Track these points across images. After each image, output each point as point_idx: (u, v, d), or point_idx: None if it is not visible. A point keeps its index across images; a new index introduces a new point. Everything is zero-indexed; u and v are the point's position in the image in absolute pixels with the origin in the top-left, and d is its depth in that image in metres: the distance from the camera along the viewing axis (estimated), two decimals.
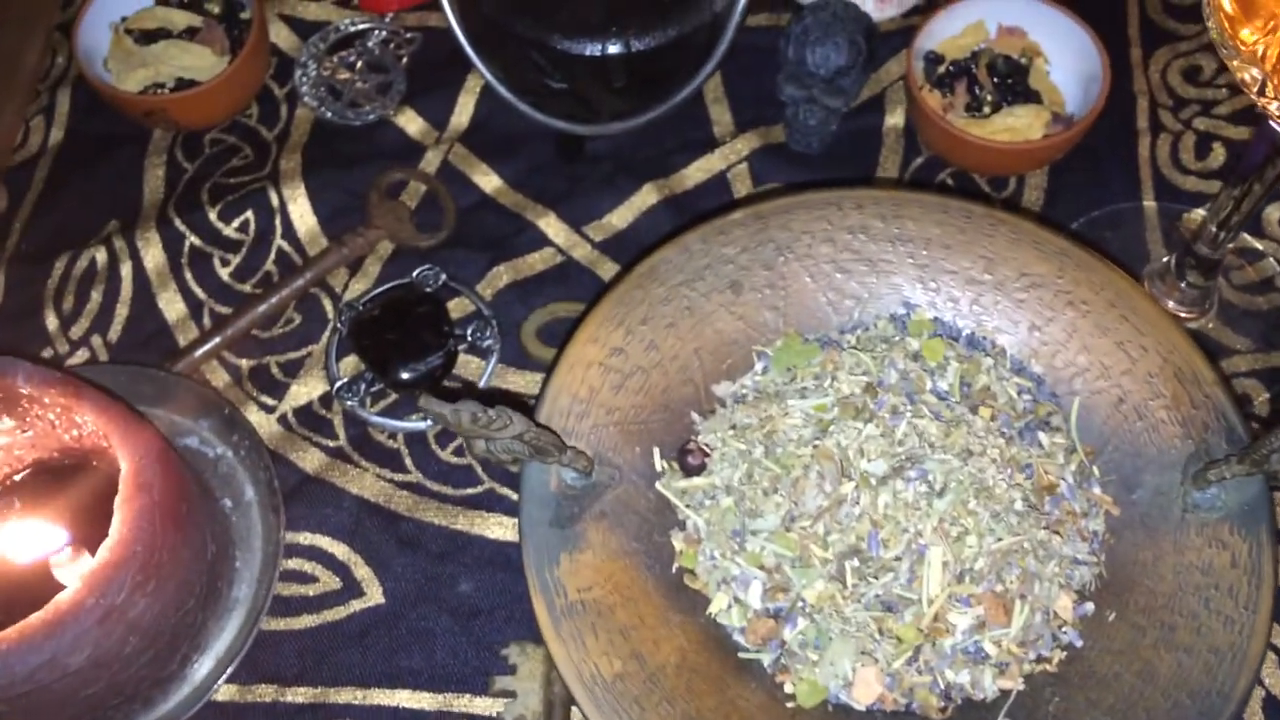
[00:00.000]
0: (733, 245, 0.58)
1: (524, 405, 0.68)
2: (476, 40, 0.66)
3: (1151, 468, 0.53)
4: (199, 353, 0.69)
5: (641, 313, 0.56)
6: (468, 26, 0.66)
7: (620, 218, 0.74)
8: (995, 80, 0.73)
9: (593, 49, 0.63)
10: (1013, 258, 0.57)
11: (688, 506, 0.54)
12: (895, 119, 0.77)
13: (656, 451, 0.56)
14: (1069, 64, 0.73)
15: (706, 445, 0.55)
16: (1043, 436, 0.54)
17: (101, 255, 0.73)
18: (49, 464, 0.60)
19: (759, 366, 0.58)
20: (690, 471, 0.55)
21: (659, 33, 0.63)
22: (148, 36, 0.76)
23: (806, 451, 0.52)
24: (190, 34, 0.75)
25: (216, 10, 0.77)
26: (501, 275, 0.72)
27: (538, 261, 0.73)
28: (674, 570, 0.53)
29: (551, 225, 0.74)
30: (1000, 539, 0.49)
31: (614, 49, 0.62)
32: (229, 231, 0.73)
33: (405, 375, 0.67)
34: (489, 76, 0.67)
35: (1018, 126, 0.70)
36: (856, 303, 0.59)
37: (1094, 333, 0.56)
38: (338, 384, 0.68)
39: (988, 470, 0.50)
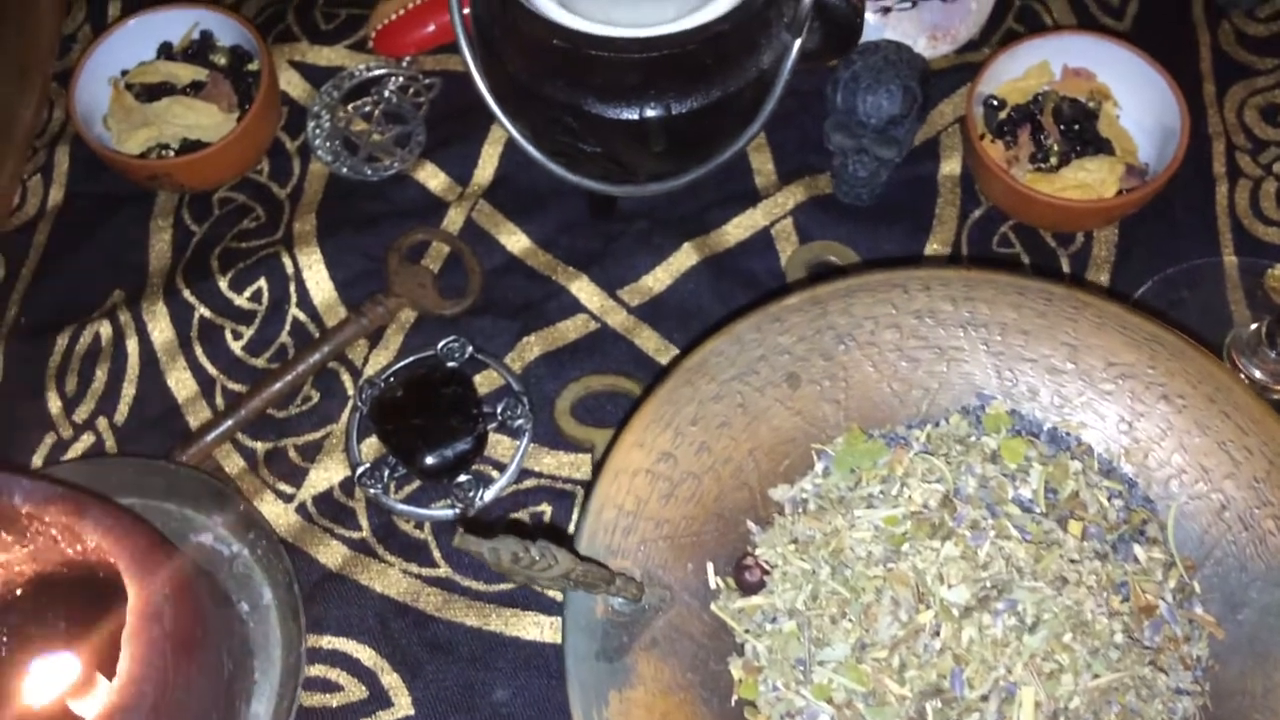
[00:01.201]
0: (789, 334, 0.53)
1: (560, 492, 0.63)
2: (503, 98, 0.61)
3: (1259, 584, 0.48)
4: (211, 437, 0.64)
5: (691, 412, 0.52)
6: (493, 84, 0.61)
7: (657, 280, 0.69)
8: (1062, 127, 0.67)
9: (629, 114, 0.57)
10: (1098, 345, 0.52)
11: (746, 631, 0.49)
12: (951, 166, 0.71)
13: (710, 567, 0.51)
14: (1141, 108, 0.67)
15: (766, 561, 0.50)
16: (1138, 550, 0.49)
17: (106, 330, 0.68)
18: (53, 578, 0.56)
19: (820, 467, 0.53)
20: (748, 590, 0.50)
21: (701, 95, 0.57)
22: (150, 92, 0.71)
23: (878, 573, 0.47)
24: (195, 89, 0.71)
25: (222, 62, 0.72)
26: (532, 346, 0.67)
27: (570, 329, 0.68)
28: (733, 702, 0.49)
29: (584, 289, 0.69)
30: (1098, 675, 0.45)
31: (652, 113, 0.57)
32: (241, 301, 0.69)
33: (432, 462, 0.62)
34: (517, 136, 0.62)
35: (1089, 182, 0.64)
36: (925, 394, 0.54)
37: (1192, 430, 0.50)
38: (359, 470, 0.63)
39: (1085, 602, 0.45)
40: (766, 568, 0.50)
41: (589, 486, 0.61)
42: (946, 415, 0.54)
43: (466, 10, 0.63)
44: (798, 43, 0.57)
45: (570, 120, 0.59)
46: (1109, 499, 0.50)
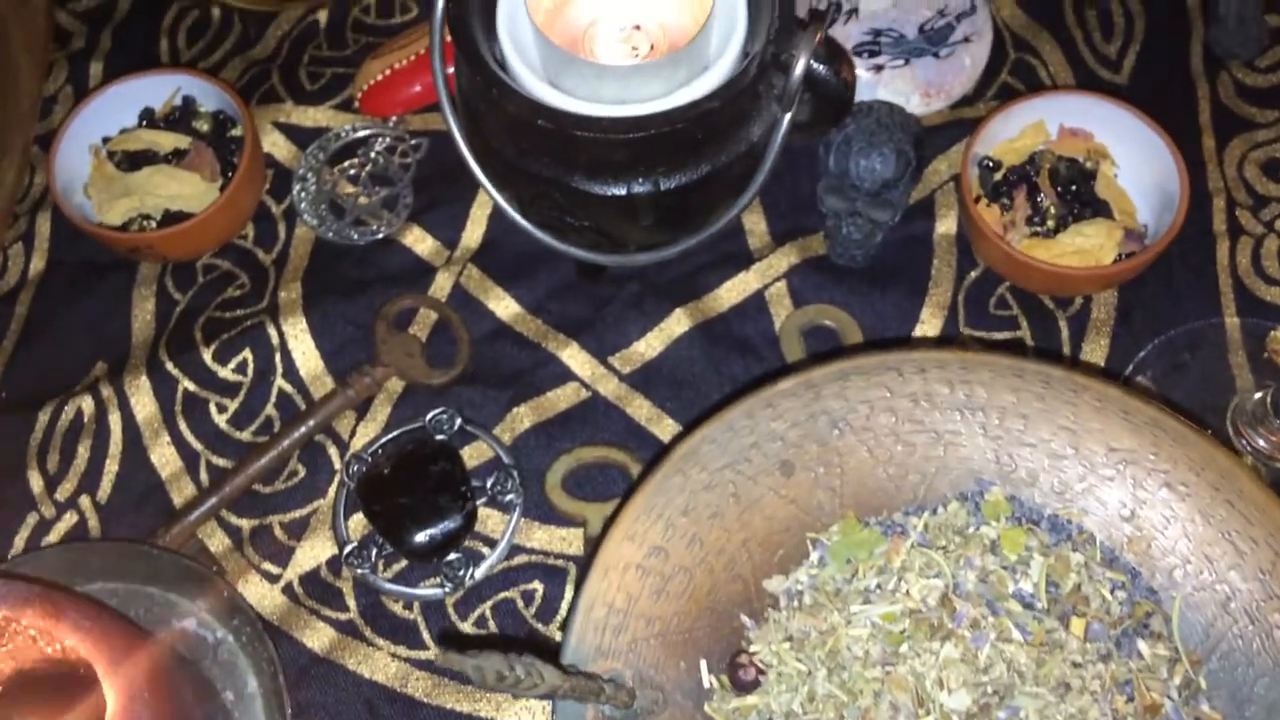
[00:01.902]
0: (782, 419, 0.52)
1: (552, 569, 0.62)
2: (488, 165, 0.60)
3: (1265, 680, 0.47)
4: (195, 515, 0.63)
5: (682, 503, 0.50)
6: (478, 152, 0.60)
7: (649, 346, 0.68)
8: (1059, 189, 0.66)
9: (616, 190, 0.56)
10: (1098, 429, 0.51)
11: None
12: (947, 225, 0.70)
13: (704, 665, 0.49)
14: (1140, 168, 0.66)
15: (760, 660, 0.49)
16: (1143, 645, 0.47)
17: (88, 405, 0.67)
18: (31, 675, 0.54)
19: (815, 557, 0.52)
20: (743, 688, 0.49)
21: (690, 170, 0.56)
22: (132, 160, 0.70)
23: (876, 675, 0.46)
24: (177, 157, 0.69)
25: (205, 128, 0.71)
26: (522, 417, 0.66)
27: (560, 399, 0.67)
28: None
29: (574, 356, 0.68)
30: None
31: (640, 189, 0.56)
32: (225, 373, 0.68)
33: (420, 543, 0.61)
34: (504, 204, 0.61)
35: (1087, 247, 0.63)
36: (922, 478, 0.53)
37: (1195, 519, 0.49)
38: (347, 549, 0.62)
39: (1089, 710, 0.44)
40: (761, 666, 0.49)
41: (579, 582, 0.60)
42: (944, 501, 0.52)
43: (452, 69, 0.62)
44: (788, 116, 0.56)
45: (556, 195, 0.58)
46: (1112, 591, 0.49)
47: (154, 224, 0.68)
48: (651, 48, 0.60)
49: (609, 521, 0.50)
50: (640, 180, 0.56)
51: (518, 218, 0.61)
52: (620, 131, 0.53)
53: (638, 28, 0.60)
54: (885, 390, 0.52)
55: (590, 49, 0.60)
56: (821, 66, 0.55)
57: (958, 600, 0.47)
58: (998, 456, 0.52)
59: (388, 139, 0.75)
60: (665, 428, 0.66)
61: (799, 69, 0.54)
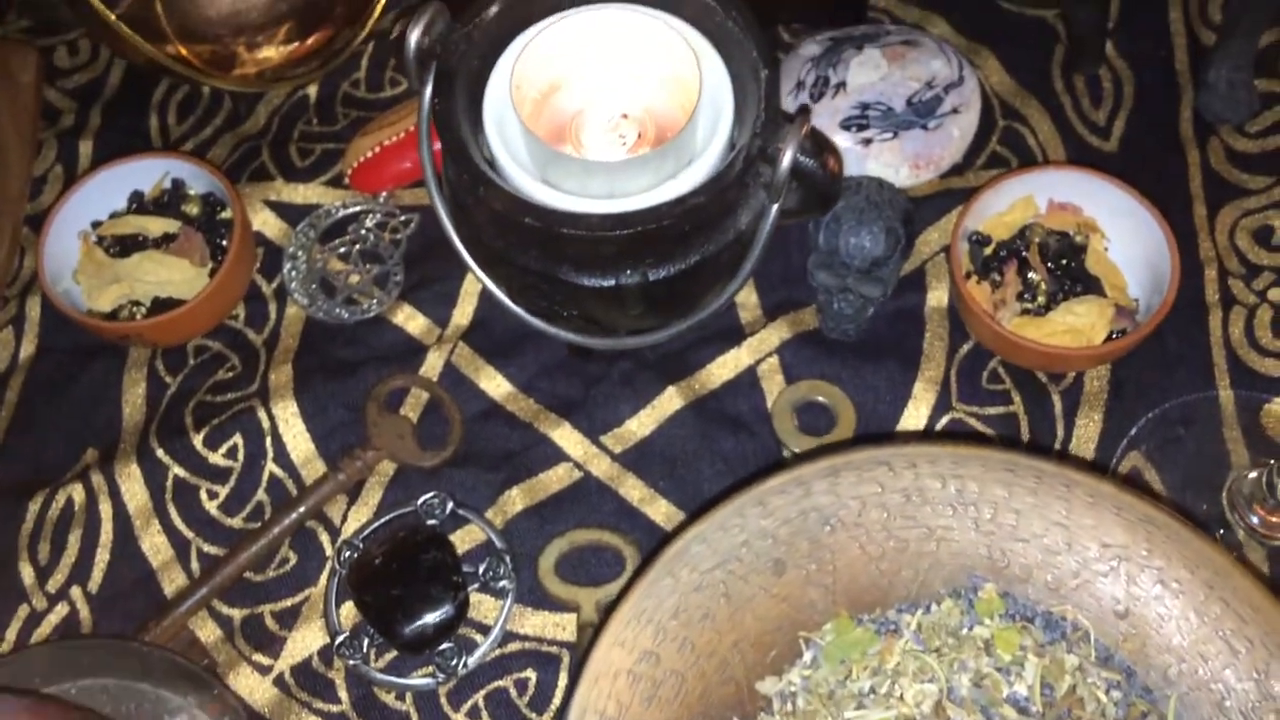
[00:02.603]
0: (772, 517, 0.52)
1: (546, 656, 0.61)
2: (478, 255, 0.60)
3: None
4: (186, 606, 0.63)
5: (672, 605, 0.50)
6: (467, 238, 0.60)
7: (641, 424, 0.68)
8: (1049, 265, 0.66)
9: (605, 282, 0.56)
10: (1091, 525, 0.50)
11: None
12: (938, 296, 0.70)
13: None
14: (1130, 242, 0.66)
15: None
16: None
17: (79, 494, 0.67)
18: None
19: (808, 657, 0.51)
20: None
21: (679, 261, 0.56)
22: (121, 244, 0.70)
23: None
24: (167, 241, 0.69)
25: (195, 211, 0.71)
26: (514, 500, 0.66)
27: (553, 480, 0.66)
28: None
29: (566, 437, 0.67)
30: None
31: (629, 281, 0.56)
32: (216, 459, 0.67)
33: (411, 635, 0.60)
34: (494, 289, 0.61)
35: (1079, 326, 0.63)
36: (915, 574, 0.52)
37: (1190, 617, 0.49)
38: (339, 639, 0.62)
39: None
40: None
41: (572, 674, 0.60)
42: (938, 598, 0.52)
43: (439, 147, 0.62)
44: (775, 206, 0.56)
45: (544, 285, 0.58)
46: (1107, 691, 0.49)
47: (144, 310, 0.68)
48: (639, 136, 0.59)
49: (598, 628, 0.50)
50: (628, 272, 0.56)
51: (507, 302, 0.61)
52: (607, 229, 0.53)
53: (625, 116, 0.60)
54: (876, 486, 0.52)
55: (577, 138, 0.60)
56: (808, 159, 0.55)
57: (952, 707, 0.47)
58: (990, 552, 0.52)
59: (378, 215, 0.75)
60: (658, 509, 0.65)
61: (785, 162, 0.54)
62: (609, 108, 0.60)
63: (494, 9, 0.58)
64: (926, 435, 0.64)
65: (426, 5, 0.58)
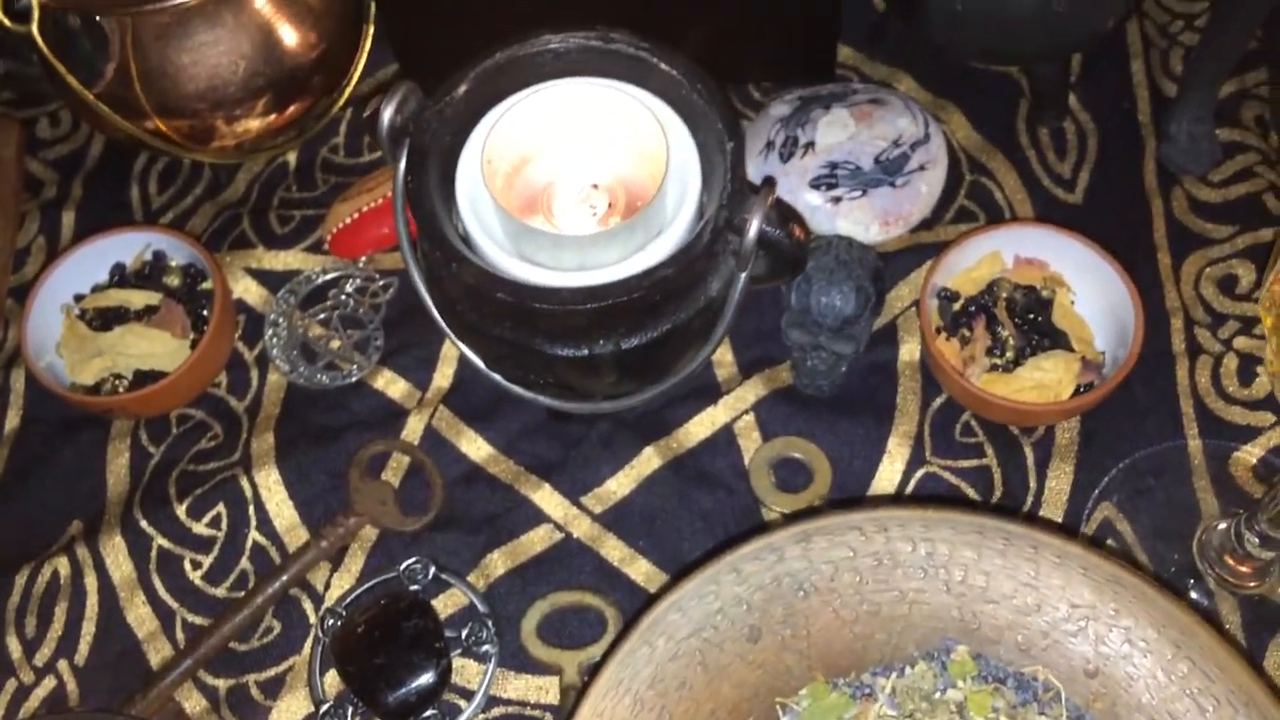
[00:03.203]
0: (746, 584, 0.52)
1: (529, 719, 0.62)
2: (454, 324, 0.61)
3: None
4: (171, 678, 0.63)
5: (649, 675, 0.51)
6: (443, 307, 0.61)
7: (620, 485, 0.69)
8: (1016, 320, 0.67)
9: (578, 352, 0.57)
10: (1059, 585, 0.51)
11: None
12: (910, 350, 0.71)
13: None
14: (1095, 296, 0.67)
15: None
16: None
17: (64, 567, 0.67)
18: None
19: None
20: None
21: (650, 329, 0.57)
22: (104, 317, 0.70)
23: None
24: (149, 313, 0.70)
25: (176, 283, 0.72)
26: (496, 563, 0.66)
27: (535, 542, 0.67)
28: None
29: (547, 498, 0.68)
30: None
31: (602, 350, 0.57)
32: (199, 529, 0.68)
33: (395, 703, 0.61)
34: (472, 356, 0.62)
35: (1046, 381, 0.64)
36: (888, 637, 0.53)
37: (1158, 675, 0.50)
38: (323, 708, 0.62)
39: None
40: None
41: None
42: (911, 660, 0.53)
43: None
44: (744, 275, 0.57)
45: (519, 355, 0.59)
46: None
47: (126, 383, 0.69)
48: (610, 205, 0.61)
49: (580, 693, 0.50)
50: (602, 342, 0.57)
51: (485, 369, 0.62)
52: (579, 303, 0.54)
53: (595, 186, 0.61)
54: (848, 550, 0.53)
55: (549, 208, 0.61)
56: (773, 229, 0.56)
57: None
58: (962, 614, 0.53)
59: (358, 280, 0.76)
60: (638, 568, 0.66)
61: (752, 232, 0.55)
62: (579, 179, 0.61)
63: (463, 88, 0.59)
64: (897, 498, 0.65)
65: (399, 84, 0.59)
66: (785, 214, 0.57)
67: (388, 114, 0.58)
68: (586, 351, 0.58)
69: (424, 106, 0.59)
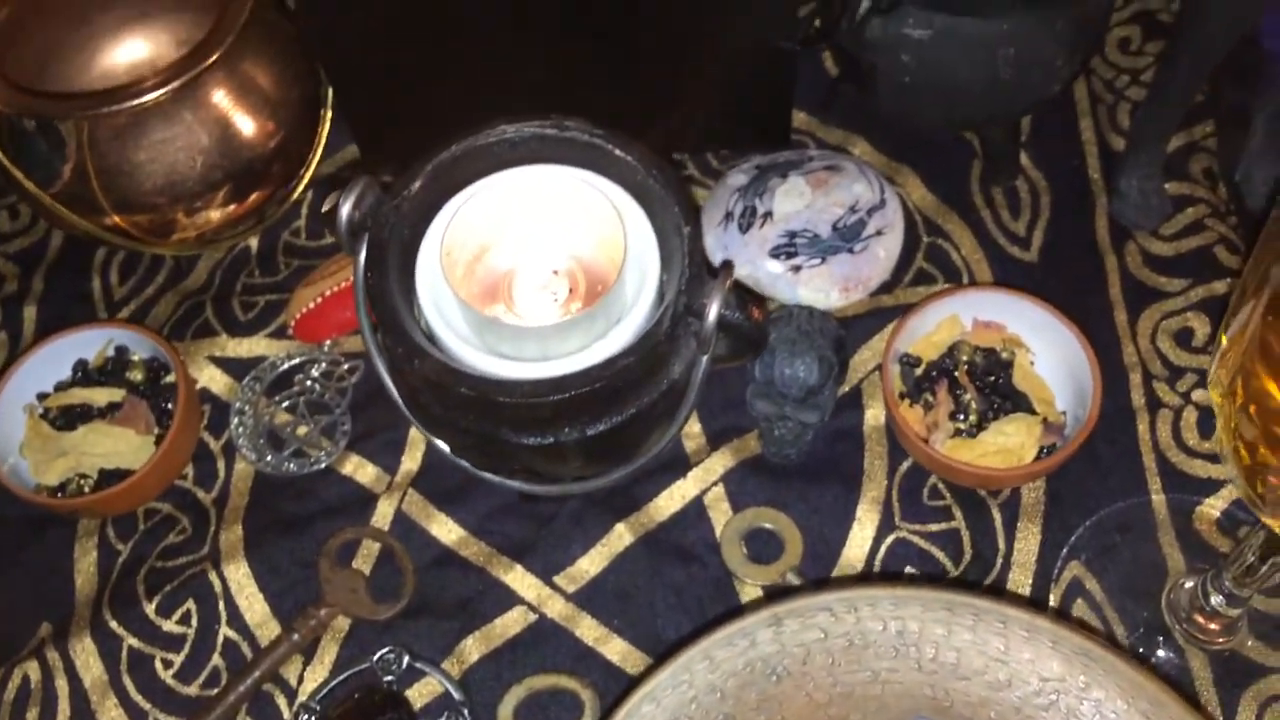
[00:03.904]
0: (718, 671, 0.52)
1: None
2: (420, 414, 0.61)
3: None
4: None
5: None
6: (407, 396, 0.61)
7: (593, 562, 0.69)
8: (977, 384, 0.68)
9: (544, 440, 0.57)
10: (1029, 659, 0.52)
11: None
12: (875, 415, 0.71)
13: None
14: (1054, 357, 0.68)
15: None
16: None
17: (35, 671, 0.66)
18: None
19: None
20: None
21: (615, 415, 0.57)
22: (67, 415, 0.70)
23: None
24: (112, 410, 0.70)
25: (139, 377, 0.71)
26: (470, 649, 0.66)
27: (509, 624, 0.67)
28: None
29: (519, 579, 0.68)
30: None
31: (567, 438, 0.57)
32: (170, 626, 0.67)
33: None
34: (441, 445, 0.62)
35: (1009, 446, 0.65)
36: (863, 718, 0.53)
37: None
38: None
39: None
40: None
41: None
42: None
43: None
44: (706, 357, 0.58)
45: (486, 445, 0.59)
46: None
47: (92, 482, 0.69)
48: (570, 291, 0.61)
49: None
50: (567, 430, 0.57)
51: (453, 455, 0.62)
52: (543, 395, 0.54)
53: (555, 272, 0.61)
54: (820, 632, 0.53)
55: (510, 295, 0.61)
56: (733, 312, 0.56)
57: None
58: (934, 692, 0.53)
59: (323, 364, 0.76)
60: (614, 648, 0.66)
61: (711, 317, 0.55)
62: (539, 265, 0.62)
63: (419, 181, 0.59)
64: (866, 576, 0.66)
65: (357, 179, 0.59)
66: (744, 296, 0.58)
67: (345, 209, 0.58)
68: (552, 439, 0.58)
69: (382, 201, 0.59)
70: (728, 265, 0.57)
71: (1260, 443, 0.45)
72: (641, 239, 0.59)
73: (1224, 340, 0.46)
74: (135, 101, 0.63)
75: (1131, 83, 0.83)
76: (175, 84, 0.64)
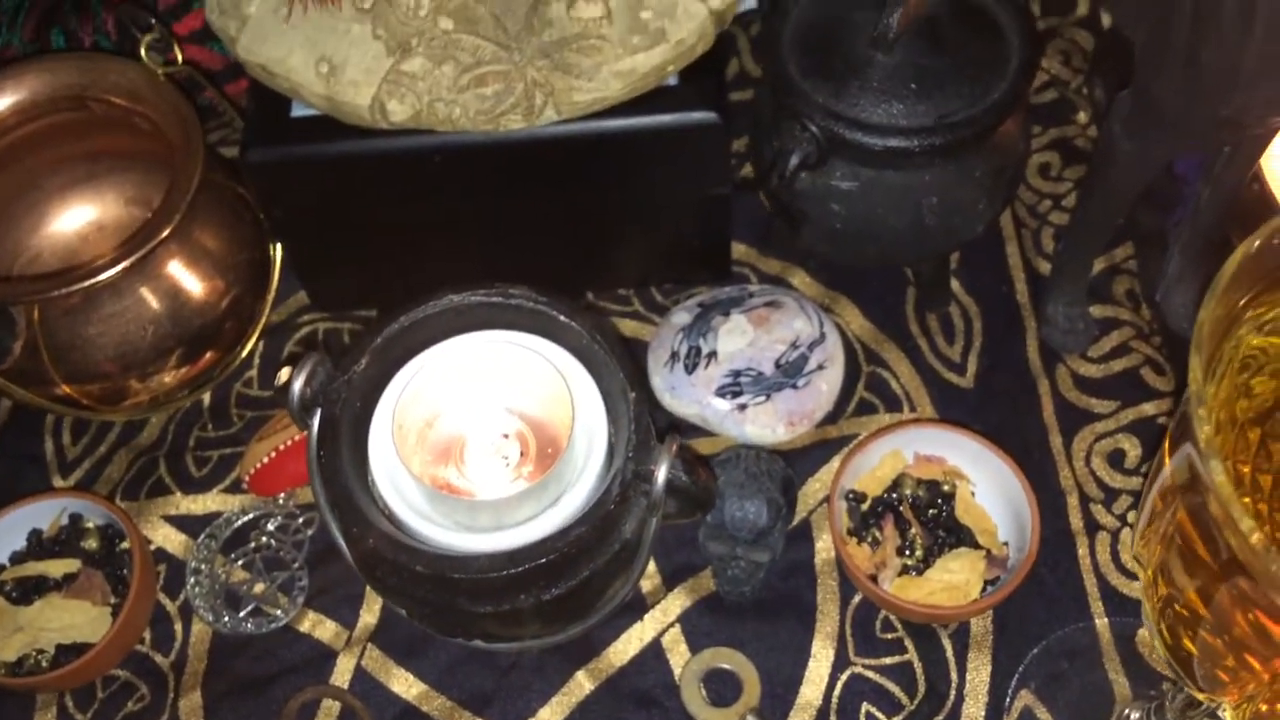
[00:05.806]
0: None
1: None
2: (378, 583, 0.62)
3: None
4: None
5: None
6: (362, 561, 0.62)
7: (554, 712, 0.69)
8: (921, 518, 0.70)
9: (500, 607, 0.58)
10: None
11: None
12: (826, 545, 0.73)
13: None
14: (992, 487, 0.70)
15: None
16: None
17: None
18: None
19: None
20: None
21: (569, 579, 0.58)
22: (23, 588, 0.70)
23: None
24: (69, 580, 0.70)
25: (94, 545, 0.71)
26: None
27: None
28: None
29: None
30: None
31: (523, 604, 0.58)
32: None
33: None
34: (400, 610, 0.63)
35: (955, 582, 0.67)
36: None
37: None
38: None
39: None
40: None
41: None
42: None
43: None
44: (655, 518, 0.59)
45: (443, 613, 0.60)
46: None
47: (49, 657, 0.68)
48: (521, 454, 0.62)
49: None
50: (522, 597, 0.58)
51: (410, 619, 0.63)
52: (497, 569, 0.55)
53: (505, 436, 0.63)
54: None
55: (461, 459, 0.62)
56: (680, 475, 0.58)
57: None
58: None
59: (279, 518, 0.76)
60: None
61: (660, 481, 0.57)
62: (490, 430, 0.63)
63: (367, 357, 0.61)
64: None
65: (308, 356, 0.61)
66: (690, 459, 0.60)
67: (297, 386, 0.60)
68: (509, 606, 0.59)
69: (332, 378, 0.61)
70: (674, 431, 0.59)
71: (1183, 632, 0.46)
72: (589, 403, 0.61)
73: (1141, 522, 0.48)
74: (88, 282, 0.64)
75: (1054, 207, 0.86)
76: (127, 262, 0.65)
